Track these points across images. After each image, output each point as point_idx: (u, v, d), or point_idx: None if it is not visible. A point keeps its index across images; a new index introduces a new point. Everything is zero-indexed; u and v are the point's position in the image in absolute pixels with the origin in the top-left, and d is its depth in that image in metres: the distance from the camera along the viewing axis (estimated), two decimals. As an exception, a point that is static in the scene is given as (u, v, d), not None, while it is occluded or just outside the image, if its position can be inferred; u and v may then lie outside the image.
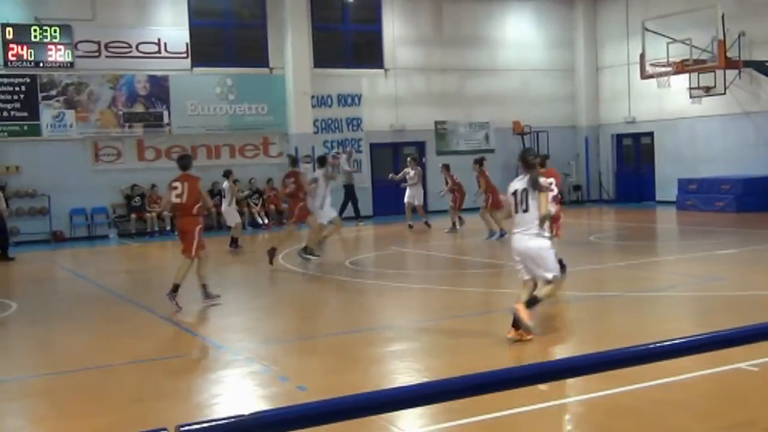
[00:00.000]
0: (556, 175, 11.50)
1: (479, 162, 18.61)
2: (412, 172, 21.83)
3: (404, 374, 7.35)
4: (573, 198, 28.59)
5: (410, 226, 21.09)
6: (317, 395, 6.36)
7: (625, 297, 10.81)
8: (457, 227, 19.89)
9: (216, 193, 23.19)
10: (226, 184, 18.16)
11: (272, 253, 14.62)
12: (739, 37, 22.73)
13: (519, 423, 5.84)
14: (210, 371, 7.77)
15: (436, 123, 26.88)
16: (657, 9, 25.00)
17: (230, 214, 18.29)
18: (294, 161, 16.13)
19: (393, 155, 26.78)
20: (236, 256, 17.47)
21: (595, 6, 29.09)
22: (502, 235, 16.46)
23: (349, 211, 22.71)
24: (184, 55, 23.26)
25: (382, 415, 5.34)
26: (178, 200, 11.02)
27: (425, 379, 6.88)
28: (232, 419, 2.03)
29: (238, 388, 7.19)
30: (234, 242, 18.12)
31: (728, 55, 20.27)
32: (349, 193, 22.93)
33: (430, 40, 26.82)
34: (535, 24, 28.63)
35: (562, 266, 9.92)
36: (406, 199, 21.62)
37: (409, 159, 22.55)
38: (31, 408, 7.05)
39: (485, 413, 5.76)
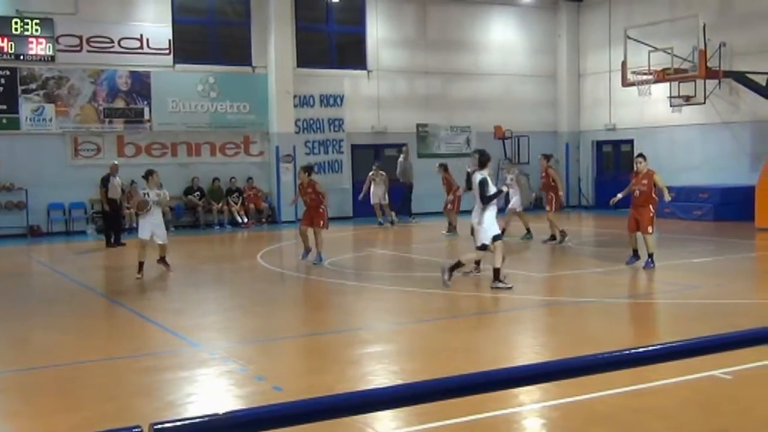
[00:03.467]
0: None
1: (547, 157, 18.45)
2: (378, 178, 22.50)
3: (380, 376, 7.35)
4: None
5: (380, 223, 22.14)
6: (293, 395, 6.36)
7: (602, 303, 10.86)
8: (457, 230, 19.32)
9: (196, 190, 23.19)
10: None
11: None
12: (720, 47, 22.93)
13: (494, 426, 5.86)
14: (185, 369, 7.73)
15: (418, 126, 26.90)
16: (639, 17, 25.18)
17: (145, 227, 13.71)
18: (309, 170, 15.26)
19: (374, 157, 26.76)
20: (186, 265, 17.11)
21: (579, 13, 29.25)
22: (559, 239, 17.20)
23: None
24: (167, 51, 23.14)
25: (358, 417, 5.34)
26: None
27: (401, 381, 6.89)
28: (207, 418, 2.02)
29: (214, 387, 7.16)
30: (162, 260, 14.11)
31: (709, 65, 20.43)
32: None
33: (413, 42, 26.86)
34: (519, 29, 28.74)
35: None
36: (372, 201, 22.47)
37: (376, 164, 23.02)
38: (4, 404, 6.99)
39: (460, 416, 5.78)
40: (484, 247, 11.65)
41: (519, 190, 18.24)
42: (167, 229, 14.67)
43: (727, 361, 6.77)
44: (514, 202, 18.37)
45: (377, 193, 22.44)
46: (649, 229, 13.35)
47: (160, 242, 13.74)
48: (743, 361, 6.93)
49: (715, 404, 6.32)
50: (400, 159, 24.26)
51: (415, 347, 8.71)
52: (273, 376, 7.44)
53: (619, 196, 14.00)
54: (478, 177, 11.53)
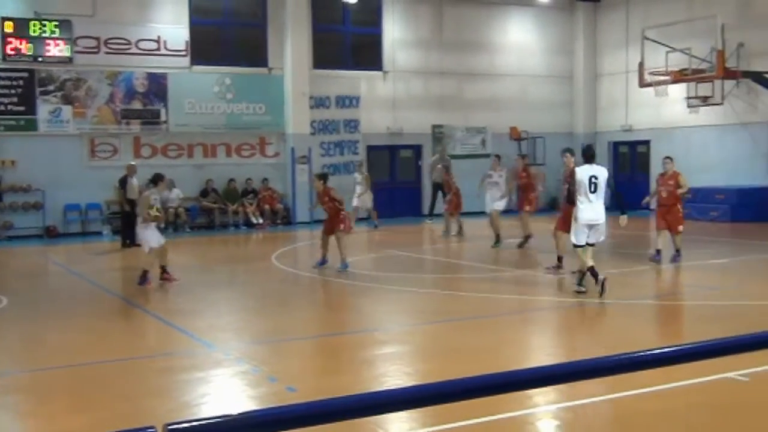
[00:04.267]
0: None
1: (524, 157, 18.50)
2: (359, 177, 21.90)
3: (394, 377, 7.33)
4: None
5: (375, 226, 21.84)
6: (306, 396, 6.35)
7: (619, 304, 10.80)
8: (453, 232, 19.50)
9: (210, 191, 23.25)
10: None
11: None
12: (737, 47, 22.77)
13: (508, 428, 5.83)
14: (199, 370, 7.74)
15: (434, 127, 26.86)
16: (657, 18, 25.03)
17: (143, 234, 13.22)
18: (324, 178, 14.67)
19: (390, 158, 26.78)
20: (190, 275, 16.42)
21: (596, 13, 29.13)
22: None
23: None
24: (184, 53, 23.23)
25: (371, 418, 5.33)
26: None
27: (415, 383, 6.87)
28: (221, 418, 2.01)
29: (227, 388, 7.17)
30: (143, 276, 12.87)
31: (727, 65, 20.31)
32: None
33: (429, 43, 26.83)
34: (535, 30, 28.64)
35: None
36: (354, 204, 21.52)
37: (358, 164, 22.72)
38: (19, 403, 7.02)
39: (474, 418, 5.75)
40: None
41: (503, 190, 17.49)
42: (183, 230, 14.60)
43: (743, 364, 6.70)
44: (499, 203, 17.46)
45: (362, 198, 21.87)
46: (680, 228, 13.74)
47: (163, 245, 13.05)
48: (760, 363, 6.87)
49: (731, 407, 6.26)
50: (434, 158, 24.26)
51: (429, 348, 8.69)
52: (286, 376, 7.44)
53: (647, 198, 14.59)
54: (605, 170, 11.16)
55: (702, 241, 18.02)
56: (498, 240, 17.03)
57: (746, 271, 14.05)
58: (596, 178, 10.78)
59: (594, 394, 6.21)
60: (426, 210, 24.48)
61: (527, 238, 16.64)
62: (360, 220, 20.57)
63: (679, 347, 2.48)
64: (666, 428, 5.87)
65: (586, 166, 10.94)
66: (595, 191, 10.76)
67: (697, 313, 10.17)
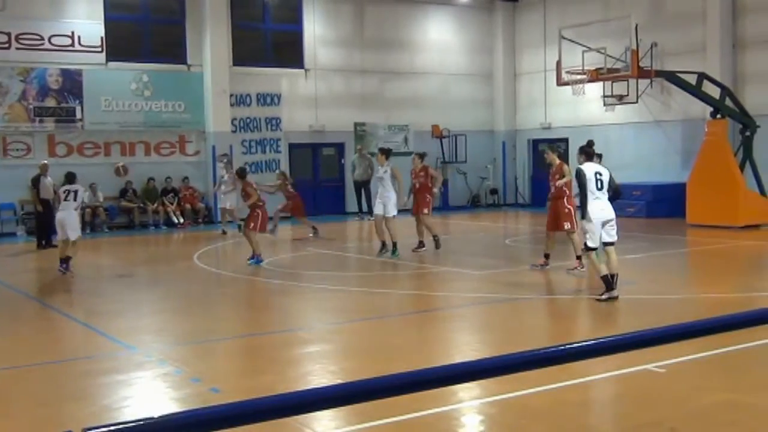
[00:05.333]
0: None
1: (421, 156, 16.50)
2: (226, 176, 20.48)
3: (319, 375, 7.31)
4: (490, 201, 29.01)
5: (224, 233, 20.51)
6: (231, 397, 6.28)
7: (539, 300, 10.98)
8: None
9: (129, 191, 22.79)
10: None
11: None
12: (651, 47, 23.42)
13: (432, 424, 5.87)
14: (120, 373, 7.57)
15: (356, 124, 26.88)
16: (573, 18, 25.55)
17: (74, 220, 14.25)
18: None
19: (312, 156, 26.71)
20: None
21: (514, 13, 29.58)
22: None
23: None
24: (99, 49, 22.67)
25: (297, 417, 5.30)
26: None
27: (340, 381, 6.86)
28: (141, 422, 1.97)
29: (149, 391, 7.03)
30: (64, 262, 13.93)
31: (641, 64, 20.80)
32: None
33: (351, 41, 26.83)
34: (455, 29, 28.93)
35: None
36: (220, 205, 21.01)
37: (224, 161, 21.27)
38: (-71, 412, 6.75)
39: (399, 415, 5.77)
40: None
41: (394, 189, 15.35)
42: (101, 230, 14.68)
43: (660, 355, 6.90)
44: (391, 206, 15.25)
45: (227, 198, 20.54)
46: (566, 226, 13.11)
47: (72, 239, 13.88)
48: (675, 354, 7.09)
49: (649, 397, 6.44)
50: (354, 157, 24.20)
51: (354, 346, 8.70)
52: (210, 377, 7.34)
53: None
54: (607, 169, 10.88)
55: (620, 236, 18.47)
56: (383, 246, 15.43)
57: (662, 266, 14.49)
58: (601, 174, 10.62)
59: (518, 388, 6.30)
60: (351, 208, 24.38)
61: (435, 238, 15.87)
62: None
63: (599, 340, 2.53)
64: (589, 419, 6.00)
65: (590, 164, 10.81)
66: (601, 188, 10.57)
67: (615, 307, 10.41)
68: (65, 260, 13.83)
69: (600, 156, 11.02)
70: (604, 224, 10.59)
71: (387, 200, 15.26)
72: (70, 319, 10.33)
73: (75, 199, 14.11)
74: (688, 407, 6.14)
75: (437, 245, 15.88)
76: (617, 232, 10.78)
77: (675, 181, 22.77)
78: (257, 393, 2.10)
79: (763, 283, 12.67)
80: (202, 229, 22.61)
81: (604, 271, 10.42)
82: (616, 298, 10.36)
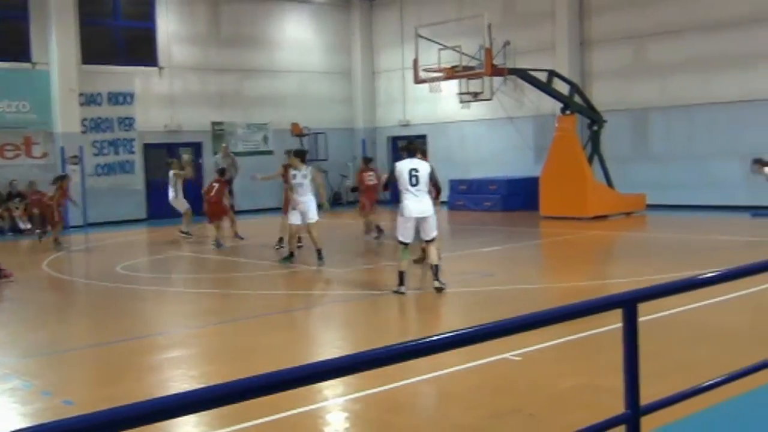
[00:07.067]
0: None
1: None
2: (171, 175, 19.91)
3: (179, 381, 7.11)
4: (351, 199, 29.11)
5: (187, 234, 19.57)
6: (85, 409, 6.00)
7: (399, 295, 11.08)
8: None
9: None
10: None
11: None
12: (504, 45, 24.13)
13: (298, 423, 5.80)
14: (-38, 390, 7.11)
15: (213, 124, 26.41)
16: (429, 16, 26.01)
17: None
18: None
19: (169, 156, 25.99)
20: None
21: (371, 12, 29.82)
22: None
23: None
24: (-66, 45, 21.30)
25: (158, 424, 5.12)
26: None
27: (201, 385, 6.68)
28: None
29: (-5, 407, 6.63)
30: None
31: (494, 62, 21.40)
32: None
33: (207, 38, 26.32)
34: (314, 27, 28.90)
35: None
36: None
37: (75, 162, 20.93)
38: None
39: (264, 416, 5.68)
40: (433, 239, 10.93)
41: (313, 191, 14.13)
42: None
43: (517, 344, 7.10)
44: (314, 212, 14.05)
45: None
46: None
47: None
48: (531, 343, 7.30)
49: (507, 385, 6.60)
50: (217, 156, 23.71)
51: (216, 350, 8.51)
52: (62, 390, 7.00)
53: None
54: (426, 164, 10.94)
55: (476, 230, 18.96)
56: (292, 255, 14.39)
57: (517, 257, 14.95)
58: (417, 171, 10.61)
59: (382, 383, 6.33)
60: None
61: (376, 230, 17.21)
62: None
63: (458, 332, 2.54)
64: (451, 409, 6.08)
65: (407, 160, 10.86)
66: (416, 184, 10.56)
67: (474, 299, 10.65)
68: None
69: (424, 152, 11.15)
70: (419, 221, 10.70)
71: (309, 206, 13.95)
72: None
73: None
74: (545, 393, 6.33)
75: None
76: (432, 229, 10.75)
77: (528, 175, 23.57)
78: (114, 403, 1.99)
79: (611, 270, 13.29)
80: (51, 235, 21.58)
81: (403, 267, 10.67)
82: (402, 293, 10.59)
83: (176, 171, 19.19)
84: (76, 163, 22.72)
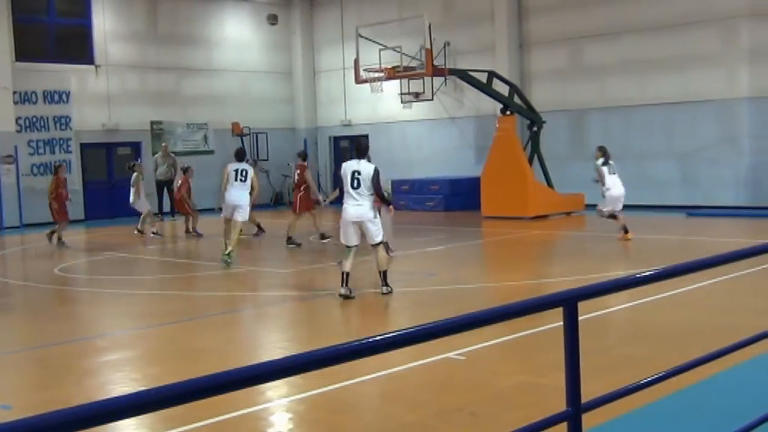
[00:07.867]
0: None
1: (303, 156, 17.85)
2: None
3: (120, 384, 7.01)
4: (292, 199, 28.95)
5: (156, 233, 19.65)
6: (23, 413, 5.87)
7: (342, 296, 11.07)
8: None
9: None
10: None
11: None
12: (444, 46, 24.29)
13: (242, 425, 5.78)
14: None
15: (152, 123, 26.04)
16: (370, 17, 26.04)
17: None
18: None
19: (107, 156, 25.60)
20: None
21: (312, 11, 29.74)
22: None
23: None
24: None
25: (98, 428, 5.04)
26: None
27: (143, 387, 6.60)
28: None
29: (-72, 414, 6.45)
30: None
31: (435, 63, 21.52)
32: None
33: (144, 36, 25.93)
34: (253, 26, 28.70)
35: None
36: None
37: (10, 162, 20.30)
38: None
39: (207, 418, 5.64)
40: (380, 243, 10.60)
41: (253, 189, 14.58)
42: None
43: (460, 343, 7.17)
44: (244, 210, 14.27)
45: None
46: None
47: None
48: (474, 341, 7.38)
49: (451, 384, 6.66)
50: (157, 156, 23.47)
51: (158, 351, 8.41)
52: (-1, 394, 6.85)
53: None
54: (371, 167, 10.41)
55: (419, 230, 19.05)
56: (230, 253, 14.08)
57: (459, 257, 15.07)
58: (359, 173, 10.29)
59: (326, 383, 6.33)
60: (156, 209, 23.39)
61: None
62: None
63: (402, 331, 2.56)
64: (395, 408, 6.11)
65: (353, 161, 10.55)
66: (357, 187, 10.26)
67: (418, 299, 10.70)
68: None
69: (367, 156, 10.72)
70: (360, 225, 10.41)
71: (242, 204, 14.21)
72: None
73: None
74: (487, 391, 6.41)
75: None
76: (375, 234, 10.43)
77: (470, 175, 23.75)
78: (53, 407, 1.96)
79: (551, 270, 13.48)
80: (-14, 236, 21.09)
81: (346, 268, 10.42)
82: (347, 295, 10.37)
83: (139, 173, 19.40)
84: (10, 163, 22.22)
